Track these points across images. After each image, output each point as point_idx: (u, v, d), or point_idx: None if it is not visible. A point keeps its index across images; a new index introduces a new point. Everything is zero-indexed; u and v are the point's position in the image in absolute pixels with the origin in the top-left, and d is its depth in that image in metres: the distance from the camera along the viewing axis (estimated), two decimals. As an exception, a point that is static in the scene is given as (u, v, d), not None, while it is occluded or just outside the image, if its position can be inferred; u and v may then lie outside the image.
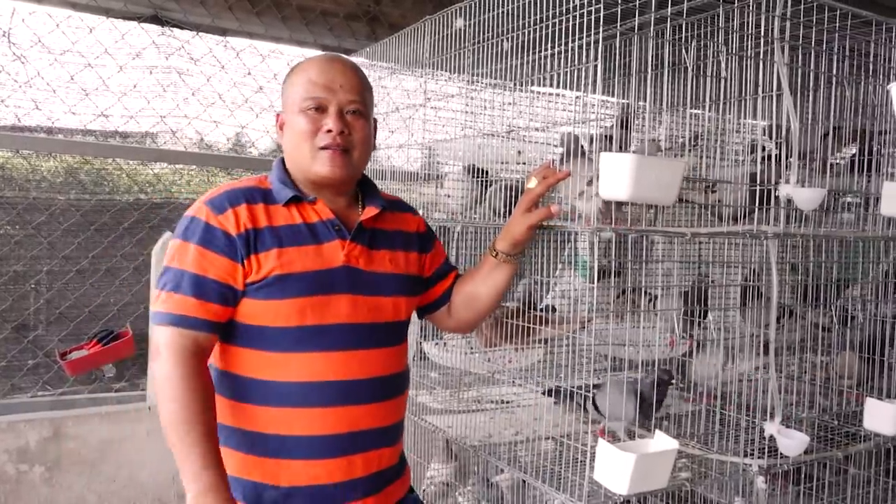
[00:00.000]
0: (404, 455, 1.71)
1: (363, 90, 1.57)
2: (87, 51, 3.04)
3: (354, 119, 1.53)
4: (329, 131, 1.49)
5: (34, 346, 3.21)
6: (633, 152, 1.86)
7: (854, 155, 2.37)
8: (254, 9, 3.33)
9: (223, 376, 1.50)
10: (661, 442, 1.63)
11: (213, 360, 1.52)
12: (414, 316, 1.79)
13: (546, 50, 1.86)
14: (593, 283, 1.86)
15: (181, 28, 3.29)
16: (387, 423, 1.56)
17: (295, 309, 1.44)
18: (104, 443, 3.04)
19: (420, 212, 2.46)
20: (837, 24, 1.94)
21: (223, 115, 3.31)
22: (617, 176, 1.54)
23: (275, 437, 1.45)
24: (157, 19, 3.16)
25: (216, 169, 3.41)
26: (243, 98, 3.36)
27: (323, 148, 1.50)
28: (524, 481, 2.53)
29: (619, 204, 1.69)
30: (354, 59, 3.09)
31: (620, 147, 1.90)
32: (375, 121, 1.65)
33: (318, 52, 3.65)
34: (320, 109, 1.51)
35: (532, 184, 1.72)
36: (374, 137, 1.65)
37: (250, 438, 1.47)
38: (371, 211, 1.59)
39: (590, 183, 1.99)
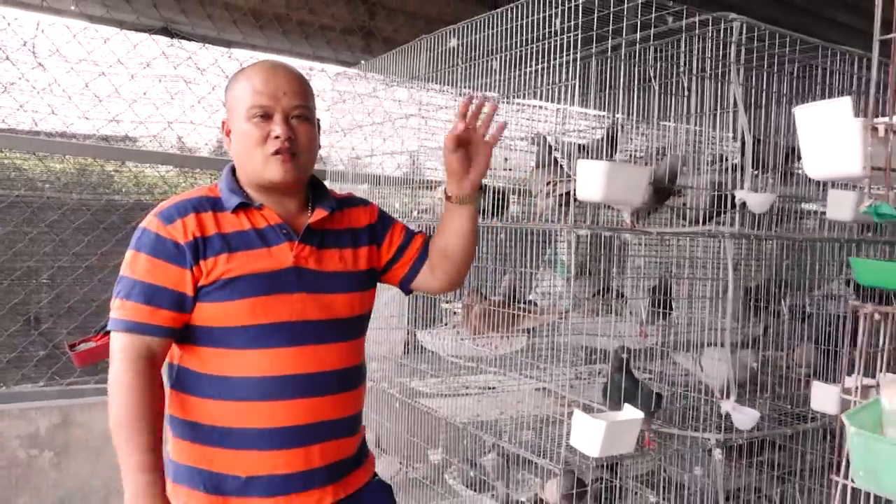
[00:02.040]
0: (366, 445, 1.75)
1: (306, 95, 1.59)
2: (102, 60, 3.22)
3: (299, 123, 1.56)
4: (277, 137, 1.52)
5: (44, 338, 3.35)
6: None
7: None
8: (257, 23, 3.54)
9: (185, 374, 1.55)
10: (628, 412, 1.86)
11: (174, 359, 1.57)
12: (399, 309, 1.92)
13: (530, 67, 2.09)
14: (572, 277, 2.09)
15: (189, 40, 3.48)
16: (344, 415, 1.61)
17: (245, 309, 1.49)
18: (110, 431, 3.19)
19: (415, 213, 2.69)
20: (787, 49, 2.19)
21: (226, 122, 3.49)
22: (591, 180, 1.77)
23: (234, 429, 1.50)
24: (166, 31, 3.35)
25: (219, 171, 3.59)
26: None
27: (274, 154, 1.52)
28: (507, 461, 2.75)
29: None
30: (353, 71, 3.33)
31: (608, 157, 2.13)
32: (319, 121, 1.67)
33: (322, 64, 3.92)
34: (266, 117, 1.52)
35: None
36: (318, 138, 1.68)
37: (210, 431, 1.51)
38: (320, 213, 1.62)
39: (547, 184, 2.24)
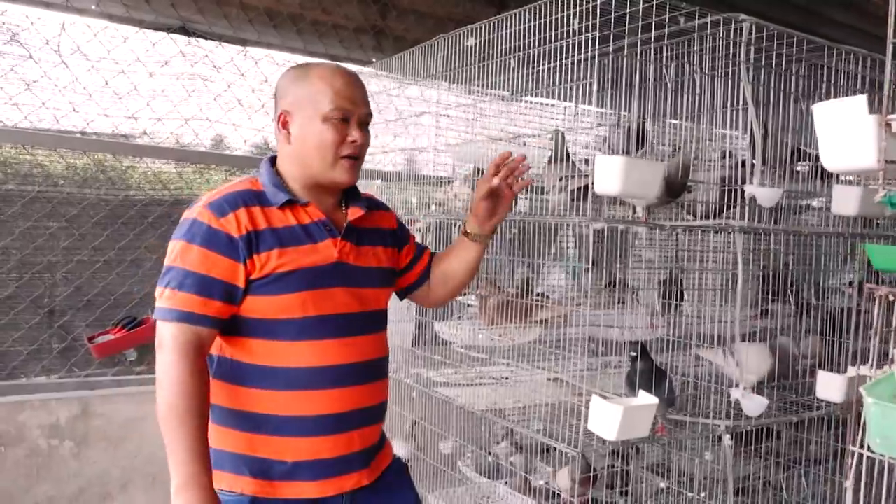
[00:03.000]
0: (384, 431, 1.83)
1: (370, 104, 1.70)
2: (121, 58, 3.29)
3: (365, 131, 1.65)
4: (354, 142, 1.60)
5: (63, 330, 3.42)
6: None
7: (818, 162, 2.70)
8: (272, 22, 3.62)
9: (231, 364, 1.59)
10: (644, 398, 1.94)
11: (220, 351, 1.60)
12: (408, 301, 2.00)
13: (547, 64, 2.16)
14: (589, 269, 2.15)
15: (206, 39, 3.56)
16: (377, 402, 1.70)
17: (297, 302, 1.55)
18: (128, 421, 3.21)
19: (432, 207, 2.76)
20: (795, 49, 2.26)
21: (242, 118, 3.58)
22: (609, 174, 1.84)
23: (283, 417, 1.57)
24: (184, 30, 3.43)
25: (234, 168, 3.65)
26: (260, 103, 3.65)
27: (344, 157, 1.60)
28: (520, 449, 2.83)
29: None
30: (370, 69, 3.40)
31: (636, 152, 2.20)
32: None
33: (321, 61, 3.99)
34: (345, 120, 1.60)
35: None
36: None
37: (257, 419, 1.57)
38: (357, 212, 1.69)
39: (561, 179, 2.32)
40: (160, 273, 1.56)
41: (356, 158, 1.63)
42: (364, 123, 1.65)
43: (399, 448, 2.99)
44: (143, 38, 3.38)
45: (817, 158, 2.60)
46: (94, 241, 3.39)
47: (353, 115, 1.61)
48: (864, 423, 0.92)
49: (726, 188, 2.26)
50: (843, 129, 1.01)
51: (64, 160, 3.36)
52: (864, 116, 0.98)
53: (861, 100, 0.98)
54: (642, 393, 1.96)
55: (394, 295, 1.92)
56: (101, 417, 3.21)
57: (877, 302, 0.98)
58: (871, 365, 1.02)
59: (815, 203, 2.86)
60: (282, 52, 3.74)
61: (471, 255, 1.88)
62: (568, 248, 2.88)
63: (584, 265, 2.10)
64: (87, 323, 3.44)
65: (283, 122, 1.64)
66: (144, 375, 3.47)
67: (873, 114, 0.96)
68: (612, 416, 1.84)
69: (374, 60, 3.39)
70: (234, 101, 3.58)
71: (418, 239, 3.19)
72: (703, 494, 2.25)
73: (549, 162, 2.37)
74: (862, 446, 0.97)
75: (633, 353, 2.20)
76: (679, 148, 2.35)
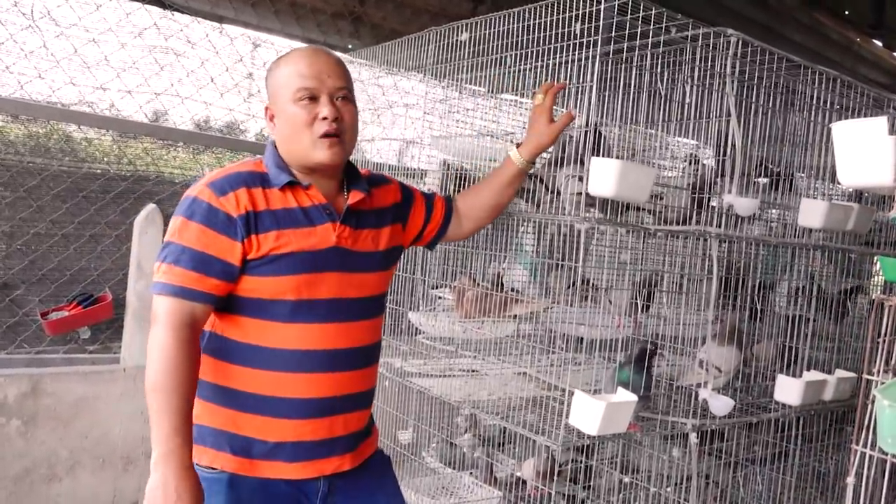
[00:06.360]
0: (373, 418, 1.85)
1: (347, 77, 1.66)
2: (92, 27, 3.17)
3: (343, 104, 1.62)
4: (325, 118, 1.57)
5: (14, 304, 3.30)
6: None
7: (776, 175, 2.83)
8: (249, 0, 3.55)
9: (221, 340, 1.60)
10: (623, 395, 2.00)
11: (211, 326, 1.61)
12: None
13: (536, 62, 2.19)
14: (579, 267, 2.19)
15: (181, 12, 3.47)
16: (363, 389, 1.71)
17: (291, 284, 1.56)
18: (79, 401, 3.12)
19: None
20: (775, 66, 2.35)
21: (214, 97, 3.50)
22: (605, 177, 1.88)
23: (268, 397, 1.58)
24: (159, 2, 3.33)
25: (202, 147, 3.58)
26: (233, 82, 3.58)
27: (322, 136, 1.58)
28: (482, 443, 2.87)
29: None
30: (347, 57, 3.37)
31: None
32: None
33: (304, 45, 3.94)
34: (313, 99, 1.58)
35: (539, 99, 1.96)
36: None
37: (243, 397, 1.59)
38: (357, 195, 1.68)
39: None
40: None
41: (335, 136, 1.60)
42: (340, 97, 1.62)
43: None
44: (117, 6, 3.27)
45: (778, 174, 2.77)
46: (53, 214, 3.28)
47: (320, 91, 1.59)
48: (874, 424, 0.99)
49: (696, 196, 2.34)
50: (862, 148, 1.08)
51: (25, 128, 3.22)
52: (883, 137, 1.05)
53: (882, 121, 1.04)
54: (621, 390, 2.02)
55: None
56: (52, 396, 3.11)
57: (887, 311, 1.06)
58: (879, 370, 1.10)
59: (764, 214, 2.97)
60: (258, 32, 3.68)
61: (520, 180, 2.02)
62: (525, 244, 2.91)
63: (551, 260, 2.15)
64: (40, 298, 3.33)
65: (270, 116, 1.66)
66: (97, 354, 3.38)
67: (893, 135, 1.03)
68: (594, 412, 1.89)
69: (350, 47, 3.37)
70: (207, 79, 3.50)
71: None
72: (668, 489, 2.33)
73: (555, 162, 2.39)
74: (865, 445, 1.05)
75: (650, 348, 2.26)
76: (698, 161, 2.42)
